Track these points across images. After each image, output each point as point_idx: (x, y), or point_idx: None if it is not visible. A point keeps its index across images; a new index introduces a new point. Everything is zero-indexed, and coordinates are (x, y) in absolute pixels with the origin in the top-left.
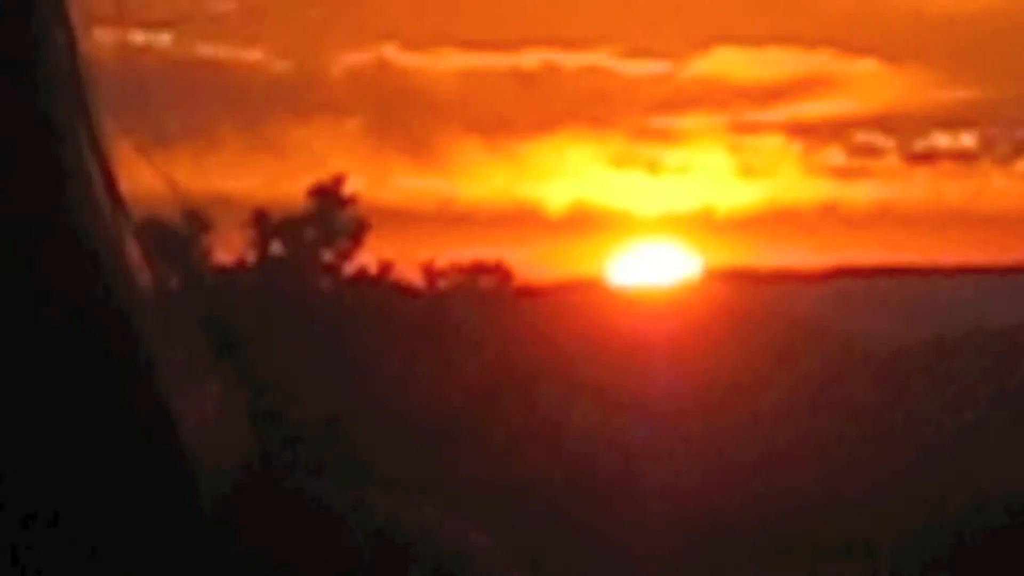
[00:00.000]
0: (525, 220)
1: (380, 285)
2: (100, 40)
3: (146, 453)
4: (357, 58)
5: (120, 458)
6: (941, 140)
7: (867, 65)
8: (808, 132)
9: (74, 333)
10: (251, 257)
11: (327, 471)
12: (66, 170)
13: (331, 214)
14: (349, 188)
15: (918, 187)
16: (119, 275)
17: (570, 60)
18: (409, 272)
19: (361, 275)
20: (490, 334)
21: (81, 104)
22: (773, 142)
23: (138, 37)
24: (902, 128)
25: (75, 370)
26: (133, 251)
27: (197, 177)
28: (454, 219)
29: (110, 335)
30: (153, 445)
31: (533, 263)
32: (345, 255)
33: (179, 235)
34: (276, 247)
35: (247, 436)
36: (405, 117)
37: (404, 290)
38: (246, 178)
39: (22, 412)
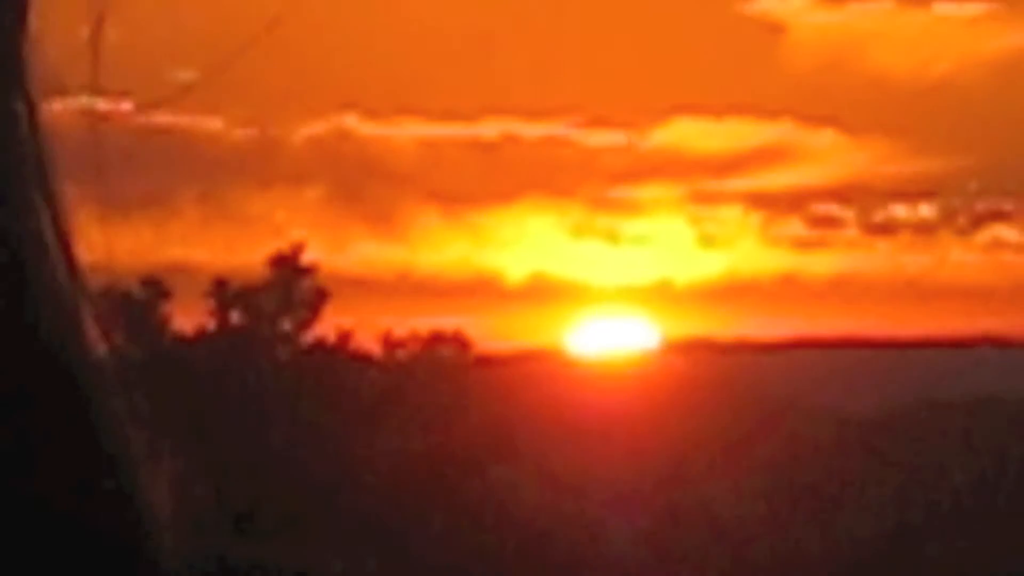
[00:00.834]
0: (484, 289)
1: (338, 355)
2: (59, 107)
3: (107, 536)
4: (317, 127)
5: (79, 541)
6: (901, 211)
7: (827, 136)
8: (768, 203)
9: (27, 407)
10: (210, 326)
11: (276, 539)
12: (22, 238)
13: (290, 283)
14: (308, 257)
15: (878, 258)
16: (76, 345)
17: (529, 130)
18: (368, 342)
19: (319, 344)
20: (448, 404)
21: (40, 173)
22: (732, 213)
23: (98, 104)
24: (862, 199)
25: (29, 452)
26: (90, 321)
27: (157, 245)
28: (413, 288)
29: (68, 411)
30: (115, 528)
31: (492, 332)
32: (304, 324)
33: (138, 303)
34: (235, 316)
35: (208, 517)
36: (365, 186)
37: (362, 360)
38: (206, 246)
39: None
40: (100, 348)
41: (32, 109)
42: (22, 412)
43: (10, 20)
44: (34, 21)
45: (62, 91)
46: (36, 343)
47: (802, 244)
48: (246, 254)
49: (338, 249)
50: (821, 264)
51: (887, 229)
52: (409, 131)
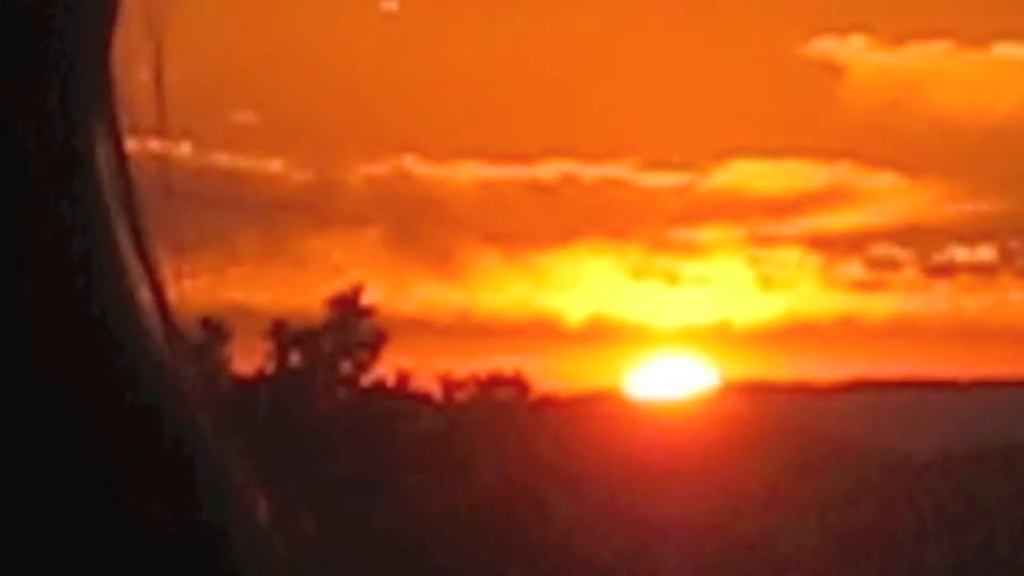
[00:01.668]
0: (543, 331)
1: (398, 396)
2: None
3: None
4: (376, 169)
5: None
6: (960, 253)
7: (886, 178)
8: (827, 245)
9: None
10: (269, 368)
11: None
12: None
13: (349, 325)
14: (367, 299)
15: (937, 300)
16: (171, 388)
17: (588, 172)
18: (427, 383)
19: (379, 386)
20: (508, 445)
21: (128, 205)
22: (791, 255)
23: (157, 146)
24: (921, 241)
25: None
26: (183, 364)
27: (216, 287)
28: (472, 330)
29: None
30: (208, 562)
31: (551, 374)
32: (363, 366)
33: (197, 345)
34: (295, 358)
35: (296, 554)
36: (424, 228)
37: (422, 401)
38: (265, 288)
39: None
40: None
41: (121, 151)
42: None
43: (96, 56)
44: (115, 57)
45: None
46: (133, 386)
47: (861, 286)
48: (305, 295)
49: (397, 290)
50: (880, 306)
51: (946, 271)
52: (468, 173)
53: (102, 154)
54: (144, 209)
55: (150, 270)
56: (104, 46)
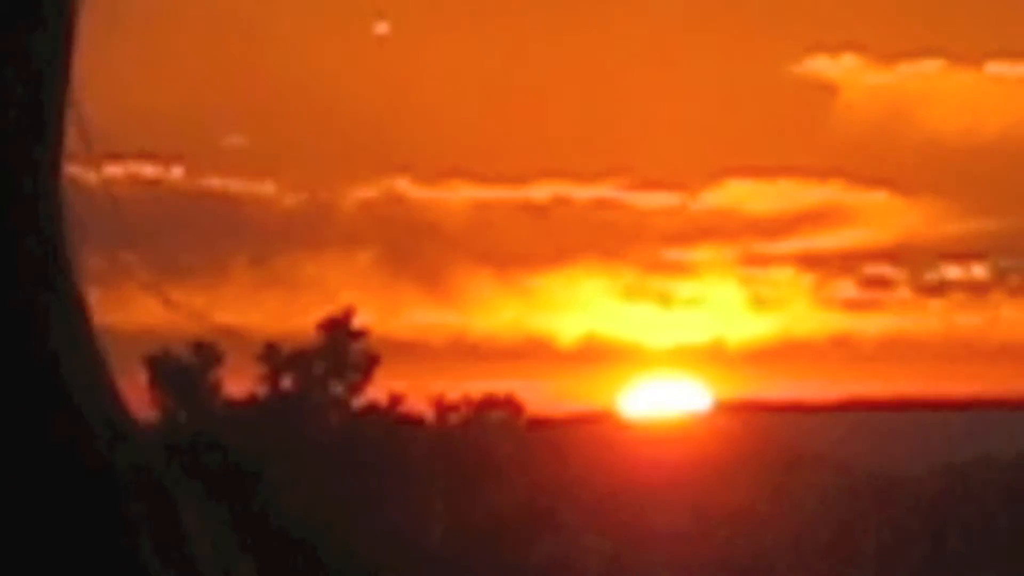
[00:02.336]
0: (536, 353)
1: (390, 418)
2: (111, 174)
3: None
4: (368, 191)
5: None
6: (952, 272)
7: (878, 197)
8: (819, 264)
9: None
10: (262, 391)
11: None
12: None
13: (341, 347)
14: (359, 321)
15: (930, 319)
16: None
17: (581, 192)
18: (419, 405)
19: (371, 408)
20: (501, 467)
21: (60, 243)
22: (784, 274)
23: (149, 171)
24: (913, 260)
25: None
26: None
27: (208, 310)
28: (465, 352)
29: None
30: None
31: (544, 395)
32: (355, 388)
33: (189, 368)
34: (287, 380)
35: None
36: (416, 250)
37: (414, 423)
38: (257, 311)
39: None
40: (129, 424)
41: (56, 186)
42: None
43: (49, 92)
44: (75, 90)
45: (115, 156)
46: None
47: (854, 305)
48: (297, 318)
49: (390, 313)
50: (873, 325)
51: (939, 289)
52: (460, 194)
53: (29, 185)
54: (74, 240)
55: (79, 304)
56: (58, 74)
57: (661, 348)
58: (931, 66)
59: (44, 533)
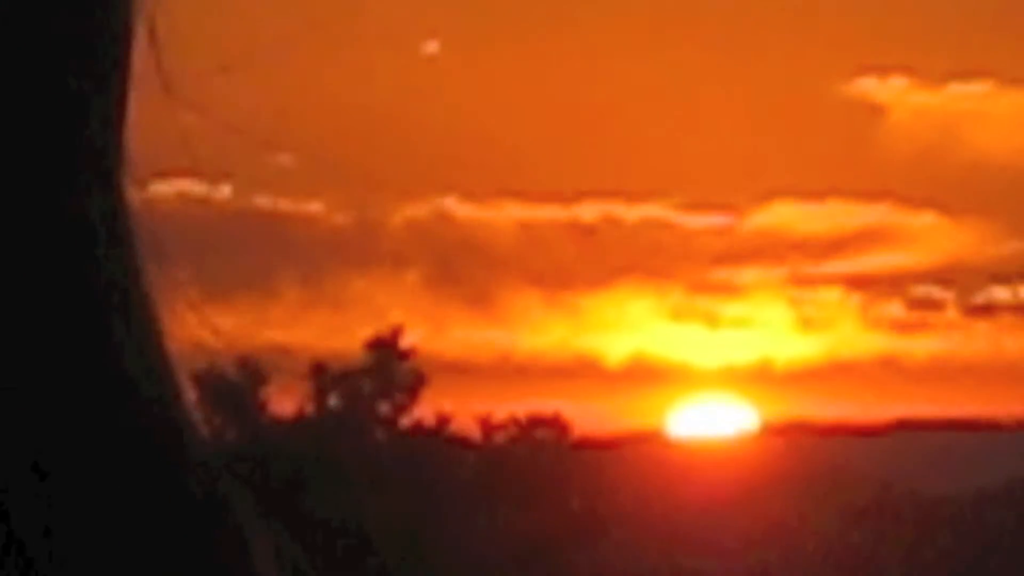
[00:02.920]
0: (584, 372)
1: (437, 438)
2: (159, 191)
3: None
4: (416, 210)
5: None
6: (1000, 293)
7: (926, 218)
8: (867, 285)
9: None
10: (308, 409)
11: None
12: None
13: (389, 367)
14: (407, 340)
15: (978, 340)
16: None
17: (629, 212)
18: (466, 425)
19: (418, 428)
20: (547, 487)
21: (132, 259)
22: (832, 295)
23: (197, 188)
24: (961, 281)
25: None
26: (189, 405)
27: (255, 328)
28: (512, 372)
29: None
30: None
31: (592, 416)
32: (402, 408)
33: (236, 386)
34: (333, 399)
35: None
36: (464, 269)
37: (461, 443)
38: (304, 329)
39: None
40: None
41: (121, 199)
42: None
43: (105, 106)
44: (132, 107)
45: (162, 174)
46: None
47: (902, 326)
48: (345, 337)
49: (437, 332)
50: (921, 346)
51: (987, 311)
52: (508, 213)
53: (96, 208)
54: (154, 259)
55: (151, 319)
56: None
57: (708, 368)
58: (980, 87)
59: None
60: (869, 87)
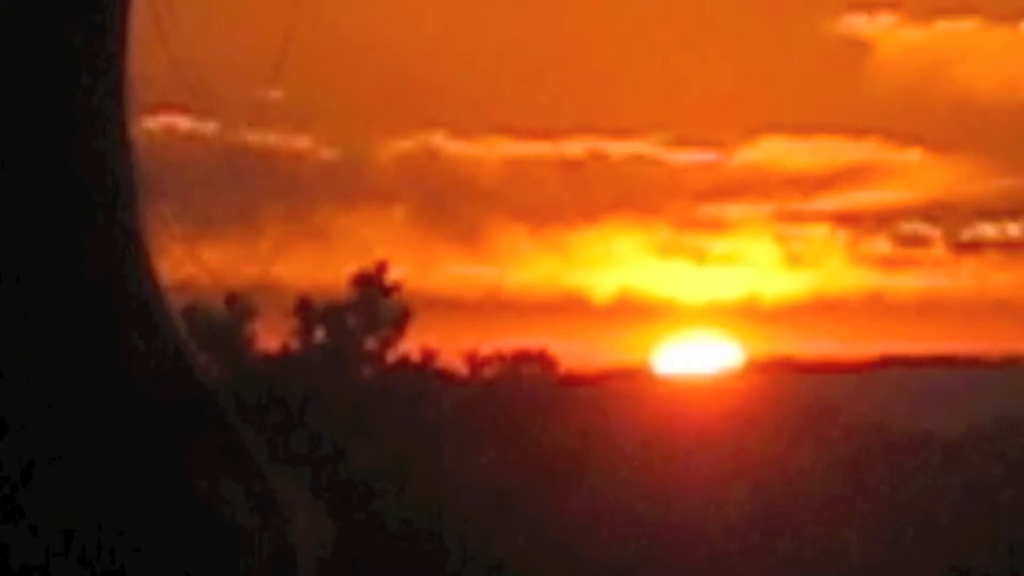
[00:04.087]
0: (571, 308)
1: (423, 373)
2: (146, 127)
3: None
4: (404, 146)
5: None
6: (987, 230)
7: (913, 155)
8: (854, 221)
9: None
10: (295, 345)
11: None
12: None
13: (374, 302)
14: (393, 275)
15: (965, 276)
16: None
17: (616, 148)
18: (453, 361)
19: (404, 363)
20: (534, 423)
21: (130, 192)
22: (819, 231)
23: (184, 124)
24: (949, 218)
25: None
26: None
27: (241, 264)
28: (499, 307)
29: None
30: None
31: (578, 352)
32: (388, 343)
33: (223, 322)
34: (320, 335)
35: (324, 527)
36: (451, 205)
37: (447, 378)
38: (291, 265)
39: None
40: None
41: (127, 142)
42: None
43: (110, 43)
44: (132, 39)
45: (148, 110)
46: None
47: (889, 263)
48: (331, 273)
49: (424, 268)
50: (908, 283)
51: (974, 247)
52: (496, 149)
53: (110, 144)
54: (148, 193)
55: (143, 254)
56: (116, 41)
57: (695, 304)
58: (968, 24)
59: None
60: (857, 23)
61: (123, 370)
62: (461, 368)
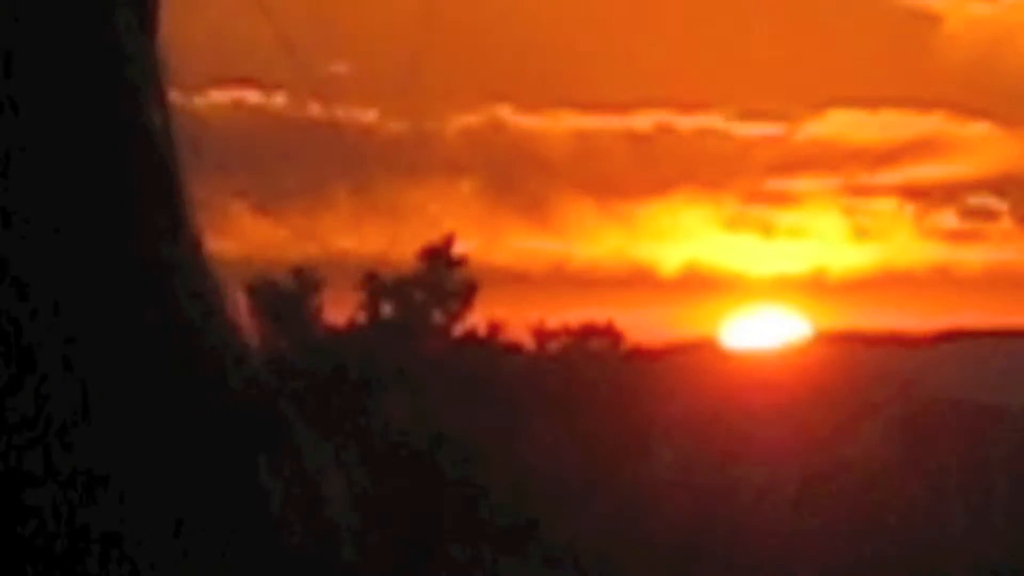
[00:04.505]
0: (638, 282)
1: (490, 346)
2: (215, 100)
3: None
4: (471, 119)
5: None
6: None
7: (981, 128)
8: (921, 195)
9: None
10: (361, 318)
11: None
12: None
13: (441, 275)
14: (460, 249)
15: None
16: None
17: (684, 122)
18: (519, 333)
19: (470, 336)
20: (600, 396)
21: (171, 180)
22: (886, 205)
23: (253, 97)
24: (1016, 191)
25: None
26: (237, 322)
27: (310, 237)
28: (566, 280)
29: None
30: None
31: (645, 325)
32: (455, 316)
33: (290, 295)
34: (386, 308)
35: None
36: (518, 178)
37: (514, 351)
38: (359, 238)
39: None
40: (254, 352)
41: (167, 119)
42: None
43: (132, 22)
44: (162, 24)
45: (217, 84)
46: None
47: (956, 236)
48: (398, 246)
49: (491, 241)
50: (975, 256)
51: None
52: (563, 123)
53: (158, 120)
54: (187, 171)
55: (192, 238)
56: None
57: (762, 278)
58: None
59: (168, 451)
60: None
61: (163, 351)
62: (528, 341)
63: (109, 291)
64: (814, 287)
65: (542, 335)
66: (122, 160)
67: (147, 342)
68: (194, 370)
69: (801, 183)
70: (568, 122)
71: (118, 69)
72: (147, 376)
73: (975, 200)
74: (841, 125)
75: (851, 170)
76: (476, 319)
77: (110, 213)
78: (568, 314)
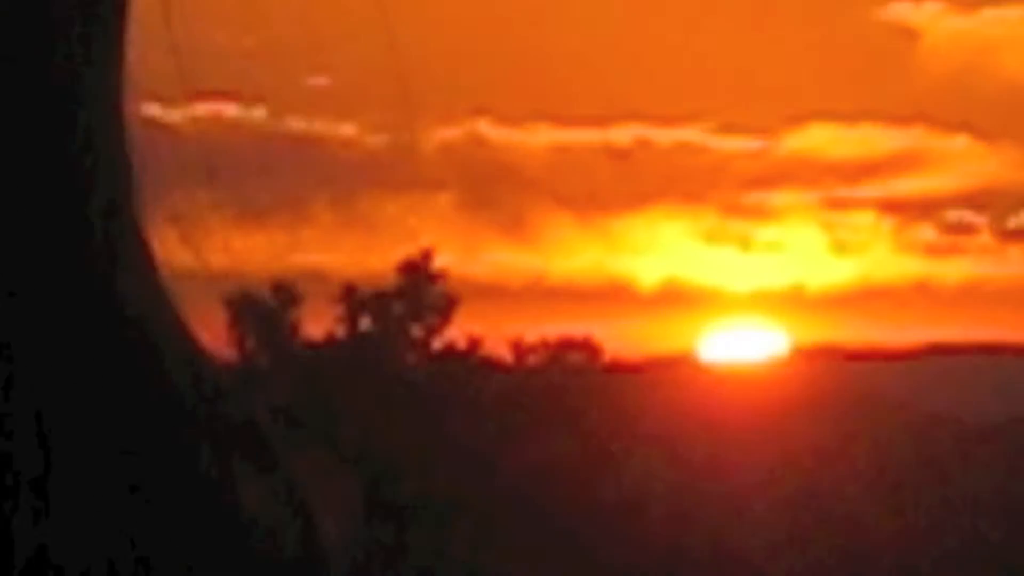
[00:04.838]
0: (616, 296)
1: (468, 360)
2: (195, 112)
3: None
4: (450, 133)
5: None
6: None
7: (960, 142)
8: (900, 209)
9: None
10: (340, 331)
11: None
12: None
13: (420, 289)
14: (439, 263)
15: (1010, 264)
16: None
17: (662, 136)
18: (498, 347)
19: (449, 350)
20: (578, 410)
21: (126, 188)
22: (865, 219)
23: (232, 111)
24: (995, 205)
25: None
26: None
27: (289, 250)
28: (544, 294)
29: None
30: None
31: (623, 339)
32: (433, 330)
33: (269, 308)
34: (365, 322)
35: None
36: (497, 192)
37: (492, 365)
38: (337, 252)
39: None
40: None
41: (122, 127)
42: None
43: (102, 46)
44: (130, 45)
45: (196, 97)
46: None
47: (934, 250)
48: (377, 260)
49: (469, 255)
50: (953, 270)
51: (1020, 235)
52: (542, 137)
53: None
54: (143, 187)
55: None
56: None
57: (741, 292)
58: (1014, 11)
59: (140, 475)
60: (903, 11)
61: (130, 365)
62: (506, 355)
63: (64, 319)
64: (792, 301)
65: (521, 349)
66: (75, 192)
67: (102, 363)
68: (152, 392)
69: (780, 197)
70: (546, 136)
71: (65, 104)
72: (103, 399)
73: (954, 214)
74: (820, 139)
75: (830, 184)
76: (455, 333)
77: (64, 245)
78: (546, 328)
